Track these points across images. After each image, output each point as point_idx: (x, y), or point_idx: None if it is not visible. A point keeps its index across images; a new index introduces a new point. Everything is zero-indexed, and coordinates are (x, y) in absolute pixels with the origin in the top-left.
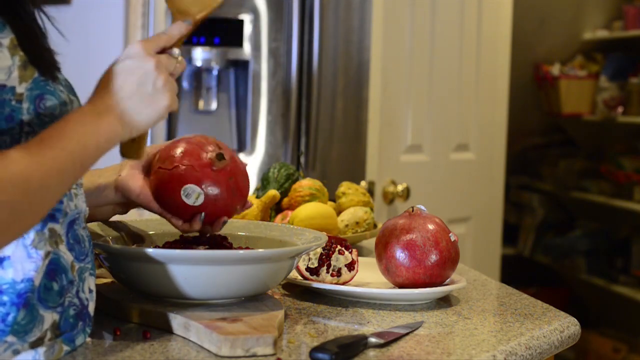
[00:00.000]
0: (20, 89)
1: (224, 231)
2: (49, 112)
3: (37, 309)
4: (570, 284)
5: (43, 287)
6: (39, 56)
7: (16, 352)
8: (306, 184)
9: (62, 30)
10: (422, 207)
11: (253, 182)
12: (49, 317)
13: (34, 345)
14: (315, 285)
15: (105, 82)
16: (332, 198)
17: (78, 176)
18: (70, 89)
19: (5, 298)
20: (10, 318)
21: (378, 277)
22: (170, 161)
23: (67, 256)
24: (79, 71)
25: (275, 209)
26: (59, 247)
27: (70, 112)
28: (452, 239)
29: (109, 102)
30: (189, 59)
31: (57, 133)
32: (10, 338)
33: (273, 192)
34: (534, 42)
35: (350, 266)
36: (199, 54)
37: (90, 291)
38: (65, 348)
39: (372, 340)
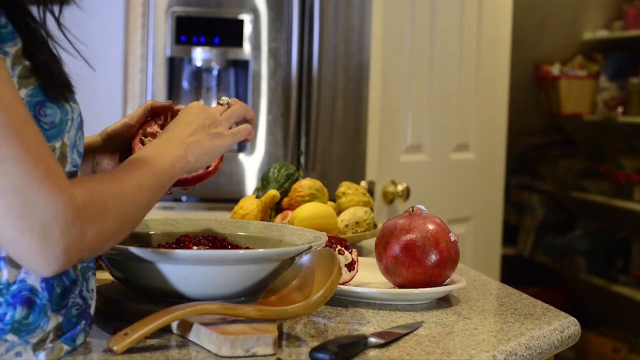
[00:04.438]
0: (20, 94)
1: (224, 231)
2: (50, 121)
3: (45, 310)
4: (570, 284)
5: (45, 290)
6: (51, 84)
7: (18, 355)
8: (306, 184)
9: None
10: (422, 207)
11: (253, 182)
12: (54, 319)
13: (36, 347)
14: None
15: (176, 121)
16: (332, 198)
17: (160, 194)
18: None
19: (0, 299)
20: (7, 317)
21: (378, 277)
22: None
23: None
24: (79, 71)
25: (275, 209)
26: None
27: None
28: (452, 239)
29: (180, 135)
30: (189, 59)
31: (141, 158)
32: (10, 337)
33: (273, 192)
34: (534, 42)
35: (350, 266)
36: (199, 54)
37: (92, 290)
38: (66, 348)
39: (372, 340)
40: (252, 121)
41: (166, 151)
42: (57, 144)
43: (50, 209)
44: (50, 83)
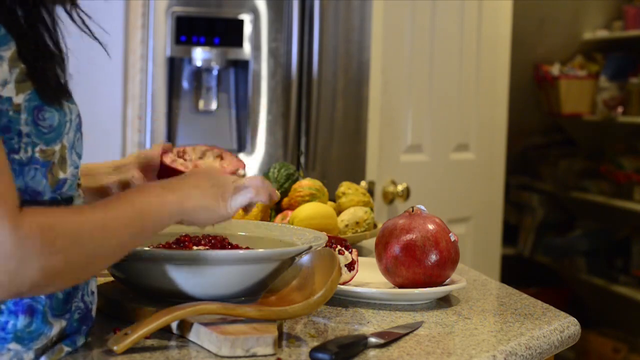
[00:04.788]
0: (18, 99)
1: (224, 231)
2: (48, 124)
3: (47, 317)
4: (570, 284)
5: (47, 297)
6: (46, 87)
7: (20, 358)
8: (306, 184)
9: (70, 31)
10: (422, 207)
11: None
12: (57, 325)
13: (39, 352)
14: None
15: (182, 175)
16: (332, 198)
17: (141, 237)
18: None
19: (2, 307)
20: (10, 326)
21: (378, 277)
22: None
23: None
24: (78, 71)
25: (275, 209)
26: None
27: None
28: (452, 239)
29: (181, 185)
30: (189, 59)
31: (126, 197)
32: (13, 345)
33: None
34: (534, 42)
35: (350, 266)
36: (199, 54)
37: (92, 293)
38: (66, 349)
39: (372, 340)
40: (271, 198)
41: (159, 194)
42: (57, 147)
43: None
44: (45, 87)
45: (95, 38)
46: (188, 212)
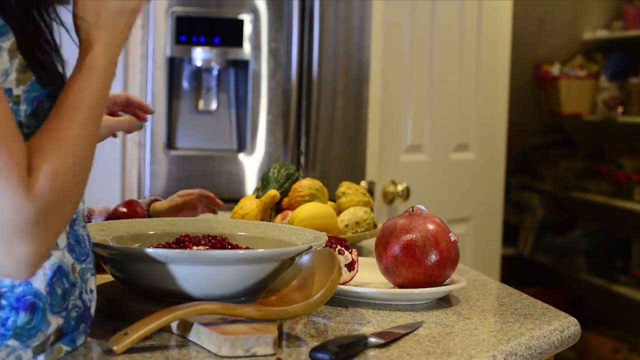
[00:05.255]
0: (17, 91)
1: (224, 231)
2: (46, 114)
3: (46, 314)
4: (570, 284)
5: (47, 293)
6: (40, 67)
7: (18, 358)
8: (306, 184)
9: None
10: (422, 207)
11: (253, 182)
12: (54, 322)
13: (37, 350)
14: None
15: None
16: (332, 198)
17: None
18: None
19: (3, 302)
20: (10, 322)
21: (378, 277)
22: None
23: (67, 259)
24: None
25: (275, 209)
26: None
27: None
28: (452, 239)
29: (99, 24)
30: (189, 59)
31: (81, 87)
32: (12, 342)
33: (273, 192)
34: (534, 42)
35: (350, 266)
36: (199, 54)
37: (91, 291)
38: (66, 349)
39: (372, 340)
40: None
41: (96, 67)
42: None
43: (7, 208)
44: (44, 75)
45: (67, 31)
46: (120, 47)
